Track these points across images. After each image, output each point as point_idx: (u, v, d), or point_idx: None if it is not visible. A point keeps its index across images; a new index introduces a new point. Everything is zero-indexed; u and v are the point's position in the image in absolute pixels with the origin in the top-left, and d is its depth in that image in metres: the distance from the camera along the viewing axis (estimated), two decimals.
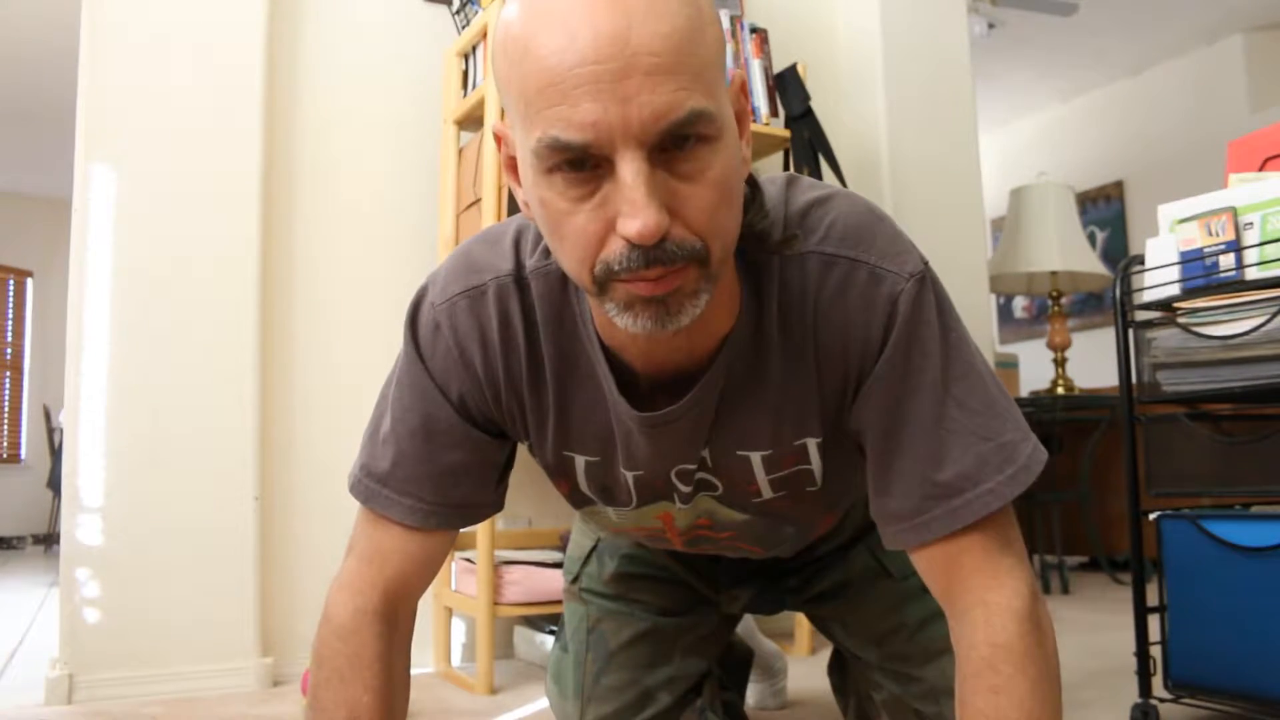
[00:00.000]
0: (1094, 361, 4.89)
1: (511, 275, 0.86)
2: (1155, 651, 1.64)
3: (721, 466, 0.92)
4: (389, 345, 0.94)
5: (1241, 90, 5.16)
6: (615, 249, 0.67)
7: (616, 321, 0.72)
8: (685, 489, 0.95)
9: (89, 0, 2.13)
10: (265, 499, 2.20)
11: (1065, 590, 3.53)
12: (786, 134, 2.54)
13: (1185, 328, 1.57)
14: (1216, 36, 5.27)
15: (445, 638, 2.29)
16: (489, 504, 0.95)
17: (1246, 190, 1.53)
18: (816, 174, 2.55)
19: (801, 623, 2.44)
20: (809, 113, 2.55)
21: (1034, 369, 5.01)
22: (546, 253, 0.85)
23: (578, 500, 1.02)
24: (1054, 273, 3.71)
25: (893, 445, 0.82)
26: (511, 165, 0.76)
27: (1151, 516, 1.65)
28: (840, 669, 1.43)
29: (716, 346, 0.83)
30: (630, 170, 0.64)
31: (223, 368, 2.16)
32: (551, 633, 2.24)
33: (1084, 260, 3.69)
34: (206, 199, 2.18)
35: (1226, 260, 1.53)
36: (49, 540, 6.49)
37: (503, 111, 0.73)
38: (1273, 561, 1.47)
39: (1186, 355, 1.58)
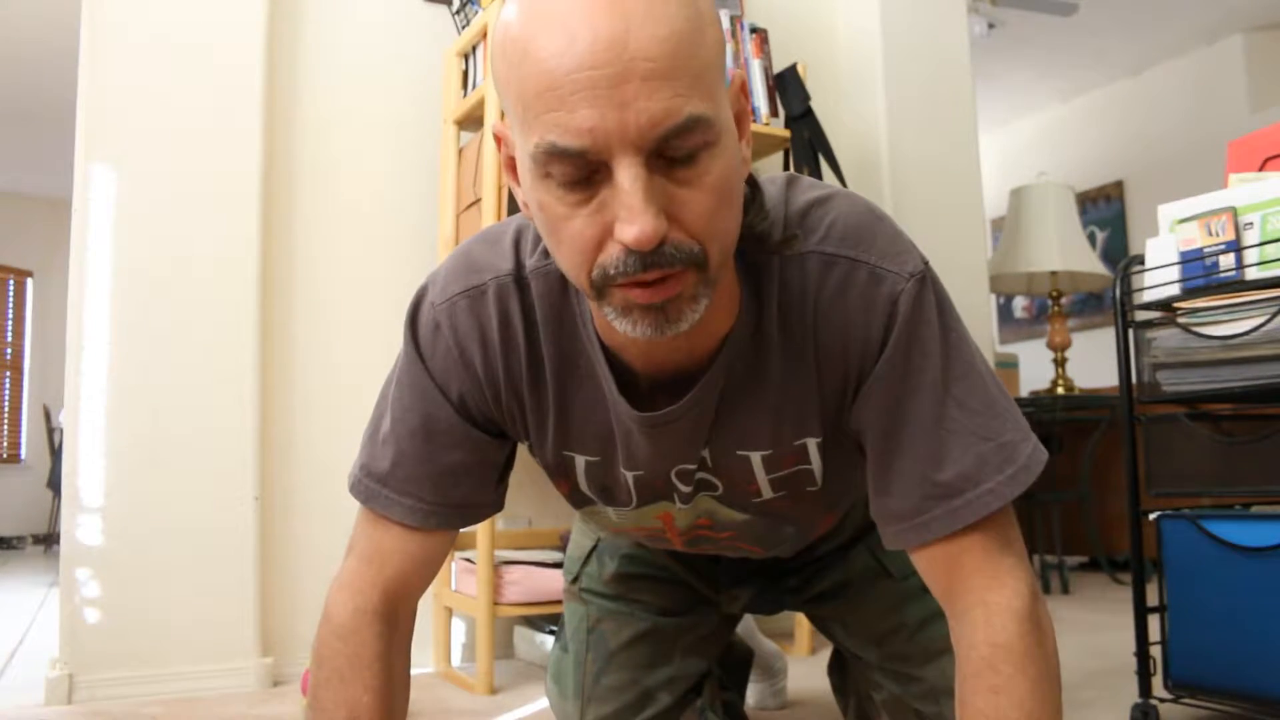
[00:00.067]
0: (1094, 361, 4.89)
1: (511, 275, 0.86)
2: (1155, 651, 1.64)
3: (721, 466, 0.92)
4: (389, 345, 0.94)
5: (1241, 90, 5.16)
6: (612, 254, 0.67)
7: (615, 326, 0.72)
8: (685, 489, 0.95)
9: (89, 0, 2.13)
10: (265, 499, 2.20)
11: (1065, 590, 3.53)
12: (786, 134, 2.54)
13: (1185, 328, 1.57)
14: (1216, 36, 5.27)
15: (445, 638, 2.29)
16: (489, 504, 0.95)
17: (1246, 190, 1.53)
18: (816, 174, 2.55)
19: (801, 623, 2.44)
20: (809, 113, 2.55)
21: (1034, 369, 5.01)
22: (546, 253, 0.85)
23: (578, 500, 1.02)
24: (1054, 273, 3.71)
25: (893, 445, 0.82)
26: (511, 165, 0.76)
27: (1151, 516, 1.65)
28: (840, 669, 1.43)
29: (717, 346, 0.83)
30: (628, 176, 0.64)
31: (223, 368, 2.16)
32: (551, 633, 2.24)
33: (1084, 260, 3.69)
34: (206, 199, 2.18)
35: (1226, 260, 1.53)
36: (49, 540, 6.49)
37: (502, 112, 0.73)
38: (1273, 561, 1.47)
39: (1186, 355, 1.58)
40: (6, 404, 7.53)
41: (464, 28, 2.43)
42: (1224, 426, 1.63)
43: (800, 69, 2.56)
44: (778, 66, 2.58)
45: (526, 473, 1.22)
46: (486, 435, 0.91)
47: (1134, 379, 1.68)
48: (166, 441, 2.10)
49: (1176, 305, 1.62)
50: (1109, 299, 1.88)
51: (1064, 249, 3.66)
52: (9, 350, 7.52)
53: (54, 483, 6.01)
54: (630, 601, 1.28)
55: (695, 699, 1.31)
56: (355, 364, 2.34)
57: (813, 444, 0.90)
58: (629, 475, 0.93)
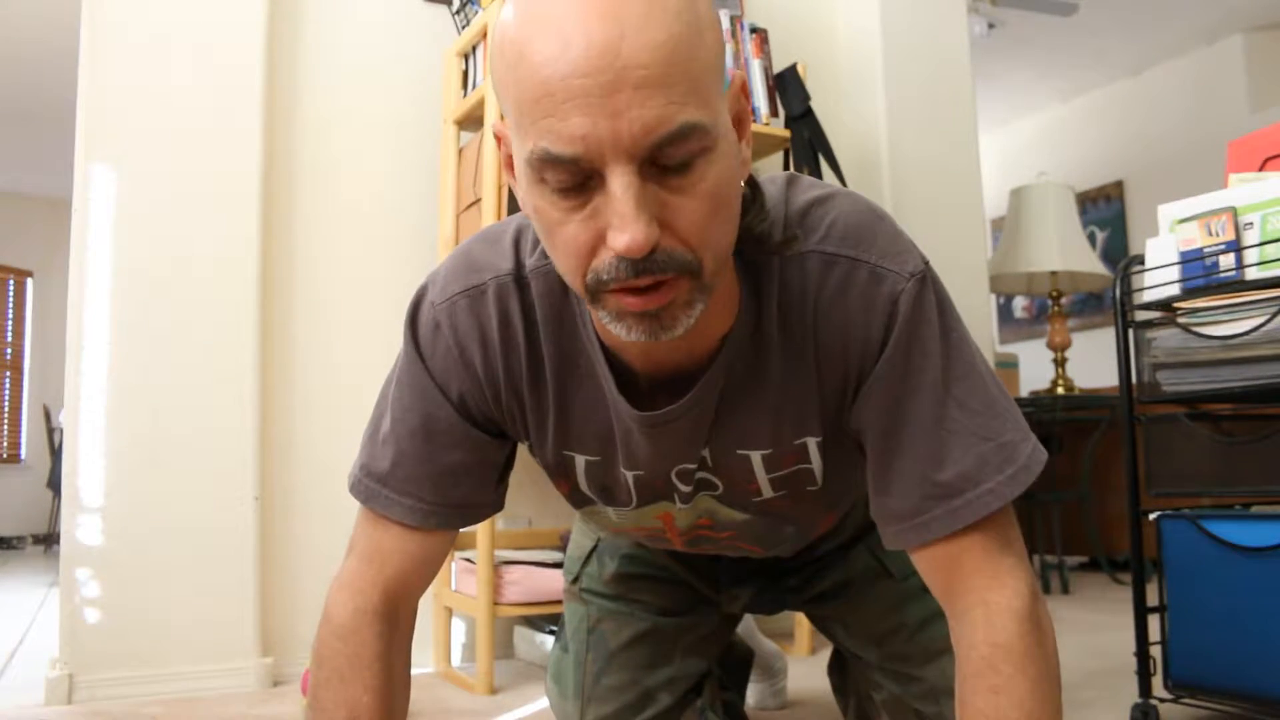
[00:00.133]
0: (1094, 361, 4.89)
1: (511, 274, 0.86)
2: (1155, 651, 1.64)
3: (722, 466, 0.92)
4: (389, 345, 0.94)
5: (1241, 90, 5.16)
6: (606, 259, 0.67)
7: (610, 329, 0.72)
8: (685, 489, 0.95)
9: (89, 0, 2.13)
10: (265, 499, 2.20)
11: (1065, 590, 3.53)
12: (786, 134, 2.54)
13: (1185, 328, 1.57)
14: (1216, 36, 5.27)
15: (445, 638, 2.29)
16: (489, 504, 0.95)
17: (1246, 190, 1.53)
18: (816, 174, 2.55)
19: (801, 623, 2.44)
20: (809, 113, 2.55)
21: (1034, 369, 5.01)
22: (546, 252, 0.85)
23: (578, 500, 1.02)
24: (1054, 273, 3.71)
25: (893, 445, 0.82)
26: (511, 164, 0.76)
27: (1151, 516, 1.65)
28: (840, 669, 1.43)
29: (716, 346, 0.83)
30: (620, 184, 0.64)
31: (223, 368, 2.16)
32: (551, 633, 2.24)
33: (1084, 260, 3.69)
34: (206, 199, 2.18)
35: (1226, 260, 1.53)
36: (49, 540, 6.49)
37: (502, 113, 0.73)
38: (1273, 561, 1.47)
39: (1186, 355, 1.58)
40: (6, 404, 7.53)
41: (464, 28, 2.43)
42: (1224, 426, 1.63)
43: (800, 69, 2.56)
44: (778, 66, 2.58)
45: (526, 473, 1.22)
46: (486, 435, 0.91)
47: (1134, 379, 1.68)
48: (166, 441, 2.10)
49: (1176, 305, 1.62)
50: (1109, 299, 1.88)
51: (1064, 249, 3.66)
52: (9, 350, 7.52)
53: (54, 483, 6.01)
54: (630, 601, 1.28)
55: (695, 699, 1.31)
56: (355, 364, 2.34)
57: (813, 443, 0.90)
58: (629, 475, 0.93)
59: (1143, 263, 1.67)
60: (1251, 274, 1.50)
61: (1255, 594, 1.48)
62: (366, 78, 2.45)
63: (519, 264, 0.86)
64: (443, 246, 2.38)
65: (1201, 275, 1.56)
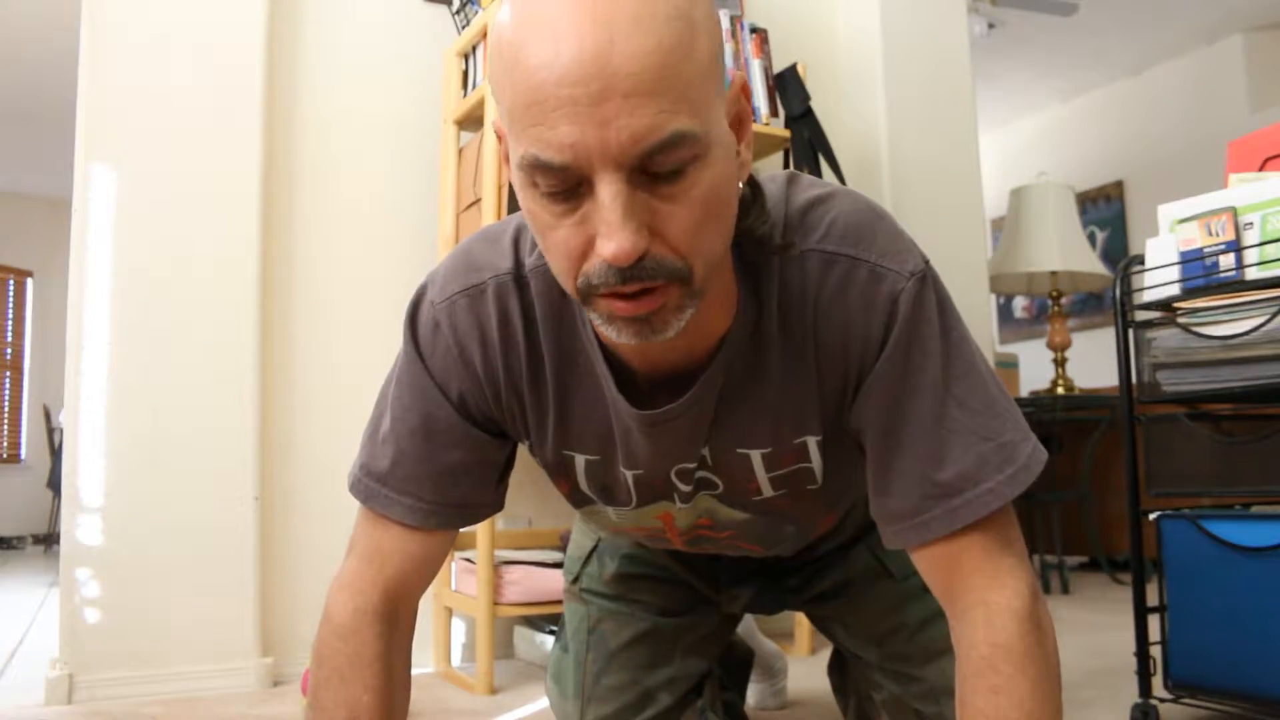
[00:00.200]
0: (1094, 361, 4.89)
1: (511, 274, 0.86)
2: (1155, 651, 1.64)
3: (722, 465, 0.92)
4: (389, 345, 0.94)
5: (1241, 90, 5.16)
6: (595, 264, 0.67)
7: (601, 331, 0.72)
8: (685, 488, 0.95)
9: (89, 0, 2.13)
10: (265, 499, 2.20)
11: (1065, 590, 3.53)
12: (786, 134, 2.54)
13: (1185, 328, 1.57)
14: (1216, 36, 5.27)
15: (445, 638, 2.29)
16: (489, 504, 0.95)
17: (1246, 190, 1.53)
18: (816, 174, 2.55)
19: (801, 623, 2.44)
20: (809, 113, 2.56)
21: (1034, 369, 5.01)
22: None
23: (578, 500, 1.02)
24: (1054, 273, 3.71)
25: (893, 444, 0.82)
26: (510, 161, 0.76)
27: (1151, 516, 1.65)
28: (840, 669, 1.43)
29: (715, 345, 0.83)
30: (608, 193, 0.64)
31: (223, 368, 2.16)
32: (551, 633, 2.24)
33: (1084, 260, 3.69)
34: (206, 199, 2.18)
35: (1226, 260, 1.53)
36: (49, 540, 6.49)
37: None
38: (1273, 561, 1.47)
39: (1186, 355, 1.58)
40: (6, 404, 7.53)
41: (464, 28, 2.43)
42: (1224, 426, 1.63)
43: (800, 69, 2.56)
44: (778, 66, 2.58)
45: (526, 473, 1.22)
46: (486, 435, 0.91)
47: (1134, 379, 1.68)
48: (166, 441, 2.10)
49: (1176, 305, 1.62)
50: (1109, 299, 1.88)
51: (1064, 249, 3.66)
52: (9, 350, 7.52)
53: (54, 483, 6.01)
54: (630, 602, 1.28)
55: (696, 699, 1.31)
56: (355, 364, 2.34)
57: (813, 442, 0.90)
58: (628, 474, 0.93)
59: (1143, 263, 1.67)
60: (1251, 274, 1.50)
61: (1255, 594, 1.48)
62: (366, 78, 2.45)
63: (518, 263, 0.86)
64: (443, 246, 2.38)
65: (1201, 275, 1.56)
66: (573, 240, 0.67)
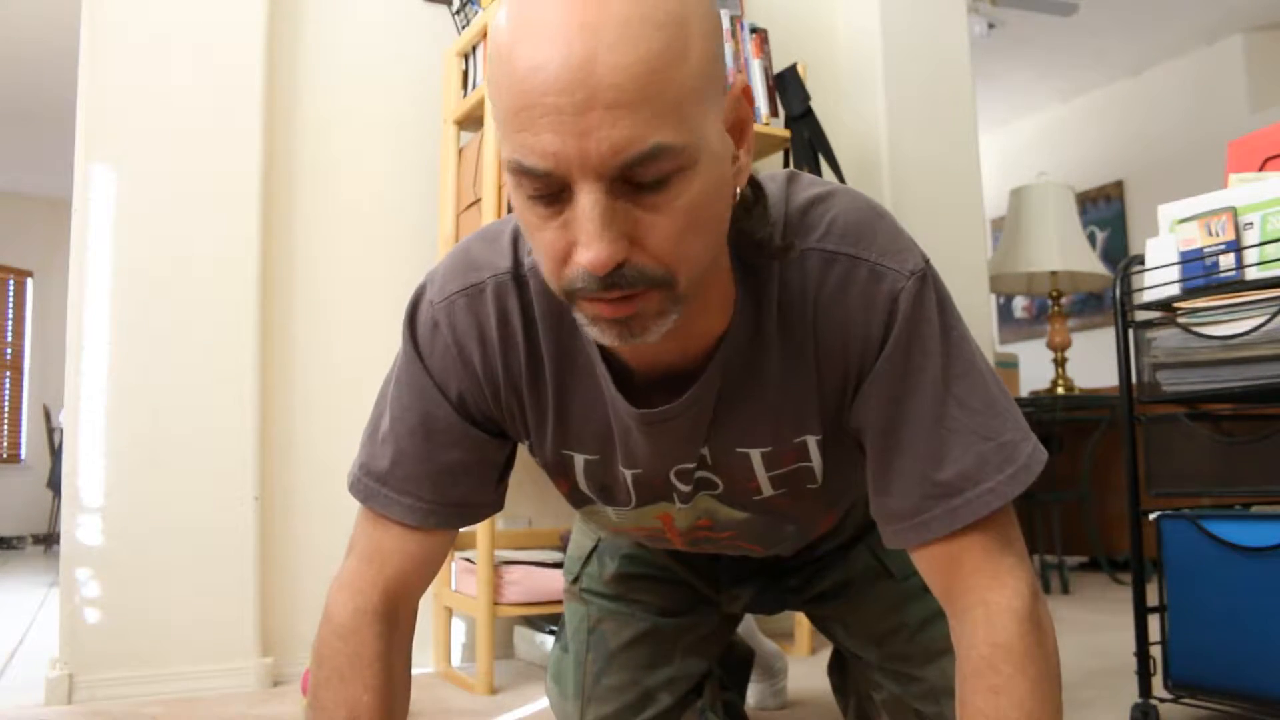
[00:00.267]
0: (1094, 361, 4.89)
1: (510, 273, 0.86)
2: (1155, 651, 1.64)
3: (721, 464, 0.92)
4: (389, 345, 0.94)
5: (1241, 90, 5.16)
6: (575, 270, 0.67)
7: (586, 331, 0.73)
8: (685, 488, 0.95)
9: (89, 0, 2.13)
10: (265, 499, 2.20)
11: (1065, 590, 3.53)
12: (786, 134, 2.54)
13: (1185, 328, 1.57)
14: (1216, 36, 5.27)
15: (445, 638, 2.29)
16: (488, 504, 0.95)
17: (1246, 190, 1.53)
18: (816, 174, 2.55)
19: (801, 623, 2.44)
20: (809, 113, 2.56)
21: (1034, 369, 5.01)
22: None
23: (577, 500, 1.02)
24: (1054, 273, 3.71)
25: (893, 444, 0.82)
26: None
27: (1151, 516, 1.65)
28: (840, 669, 1.43)
29: (712, 345, 0.83)
30: (587, 202, 0.64)
31: (223, 368, 2.16)
32: (551, 633, 2.24)
33: (1084, 260, 3.69)
34: (206, 199, 2.18)
35: (1226, 260, 1.53)
36: (49, 540, 6.49)
37: None
38: (1273, 561, 1.47)
39: (1186, 355, 1.58)
40: (6, 404, 7.53)
41: (464, 28, 2.43)
42: (1224, 426, 1.63)
43: (800, 69, 2.56)
44: (778, 66, 2.58)
45: (526, 473, 1.22)
46: (485, 434, 0.91)
47: (1134, 379, 1.68)
48: (166, 441, 2.10)
49: (1176, 305, 1.62)
50: (1109, 299, 1.88)
51: (1064, 249, 3.66)
52: (9, 350, 7.52)
53: (54, 483, 6.01)
54: (631, 602, 1.28)
55: (696, 699, 1.31)
56: (355, 364, 2.34)
57: (812, 441, 0.90)
58: (628, 474, 0.93)
59: (1143, 263, 1.67)
60: (1251, 274, 1.50)
61: (1255, 594, 1.48)
62: (366, 78, 2.45)
63: (517, 262, 0.86)
64: (443, 246, 2.38)
65: (1201, 275, 1.56)
66: (557, 243, 0.68)
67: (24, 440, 7.52)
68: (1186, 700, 1.62)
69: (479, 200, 2.19)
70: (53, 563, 5.11)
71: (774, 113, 2.50)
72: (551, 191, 0.66)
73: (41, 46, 4.74)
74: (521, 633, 2.37)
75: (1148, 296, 1.65)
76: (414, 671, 0.98)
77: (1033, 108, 6.26)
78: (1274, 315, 1.46)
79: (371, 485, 0.90)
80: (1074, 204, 3.82)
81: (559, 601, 1.86)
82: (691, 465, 0.92)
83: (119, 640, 2.01)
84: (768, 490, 0.95)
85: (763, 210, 0.82)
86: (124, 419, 2.07)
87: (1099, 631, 2.59)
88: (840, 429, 0.88)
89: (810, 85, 2.59)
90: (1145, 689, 1.63)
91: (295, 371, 2.31)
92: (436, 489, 0.89)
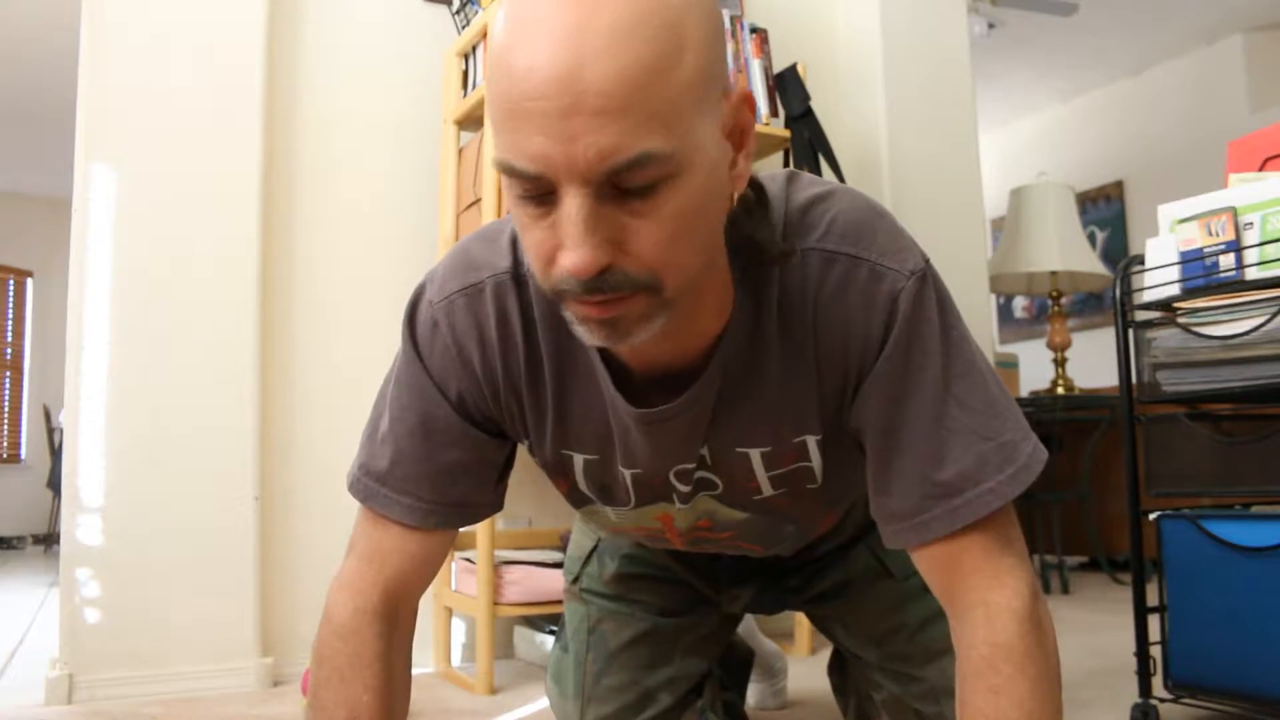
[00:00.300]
0: (1094, 361, 4.89)
1: (509, 273, 0.86)
2: (1155, 651, 1.64)
3: (721, 464, 0.92)
4: (389, 345, 0.94)
5: (1241, 90, 5.16)
6: (561, 271, 0.68)
7: (574, 330, 0.73)
8: (684, 489, 0.95)
9: (89, 0, 2.13)
10: (265, 499, 2.20)
11: (1065, 590, 3.53)
12: (786, 134, 2.54)
13: (1185, 328, 1.57)
14: (1216, 36, 5.27)
15: (445, 638, 2.29)
16: (488, 504, 0.95)
17: (1246, 190, 1.53)
18: (816, 174, 2.55)
19: (801, 623, 2.44)
20: (809, 113, 2.55)
21: (1034, 369, 5.01)
22: None
23: (577, 499, 1.02)
24: (1054, 273, 3.71)
25: (893, 444, 0.82)
26: None
27: (1151, 516, 1.65)
28: (840, 669, 1.43)
29: (711, 345, 0.83)
30: (572, 206, 0.64)
31: (223, 368, 2.16)
32: (551, 633, 2.24)
33: (1084, 260, 3.69)
34: (206, 199, 2.18)
35: (1226, 260, 1.53)
36: (49, 540, 6.49)
37: None
38: (1273, 561, 1.47)
39: (1186, 355, 1.58)
40: (6, 404, 7.53)
41: (464, 28, 2.43)
42: (1224, 426, 1.63)
43: (800, 69, 2.56)
44: (778, 66, 2.58)
45: (526, 473, 1.22)
46: (485, 434, 0.91)
47: (1134, 379, 1.68)
48: (166, 441, 2.10)
49: (1176, 305, 1.62)
50: (1109, 299, 1.88)
51: (1064, 249, 3.66)
52: (9, 350, 7.52)
53: (54, 483, 6.01)
54: (631, 602, 1.28)
55: (696, 699, 1.31)
56: (355, 364, 2.34)
57: (812, 441, 0.90)
58: (627, 473, 0.93)
59: (1143, 263, 1.67)
60: (1251, 274, 1.50)
61: (1255, 594, 1.48)
62: (366, 78, 2.45)
63: (517, 262, 0.86)
64: (443, 246, 2.38)
65: (1201, 275, 1.56)
66: (545, 243, 0.68)
67: (24, 440, 7.52)
68: (1186, 700, 1.62)
69: (479, 200, 2.19)
70: (53, 563, 5.11)
71: (774, 113, 2.50)
72: (540, 193, 0.66)
73: (41, 46, 4.74)
74: (521, 633, 2.37)
75: (1148, 296, 1.65)
76: (414, 671, 0.98)
77: (1033, 108, 6.26)
78: (1274, 315, 1.46)
79: (371, 485, 0.90)
80: (1074, 204, 3.82)
81: (559, 601, 1.86)
82: (691, 466, 0.92)
83: (119, 640, 2.01)
84: (767, 490, 0.95)
85: (765, 214, 0.82)
86: (124, 419, 2.07)
87: (1099, 631, 2.59)
88: (840, 429, 0.88)
89: (810, 85, 2.59)
90: (1145, 689, 1.63)
91: (295, 371, 2.31)
92: (436, 489, 0.89)
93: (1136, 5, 4.87)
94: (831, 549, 1.24)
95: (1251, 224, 1.51)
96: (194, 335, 2.14)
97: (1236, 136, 1.78)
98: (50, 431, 6.85)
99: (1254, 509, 1.58)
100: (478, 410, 0.90)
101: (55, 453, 6.49)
